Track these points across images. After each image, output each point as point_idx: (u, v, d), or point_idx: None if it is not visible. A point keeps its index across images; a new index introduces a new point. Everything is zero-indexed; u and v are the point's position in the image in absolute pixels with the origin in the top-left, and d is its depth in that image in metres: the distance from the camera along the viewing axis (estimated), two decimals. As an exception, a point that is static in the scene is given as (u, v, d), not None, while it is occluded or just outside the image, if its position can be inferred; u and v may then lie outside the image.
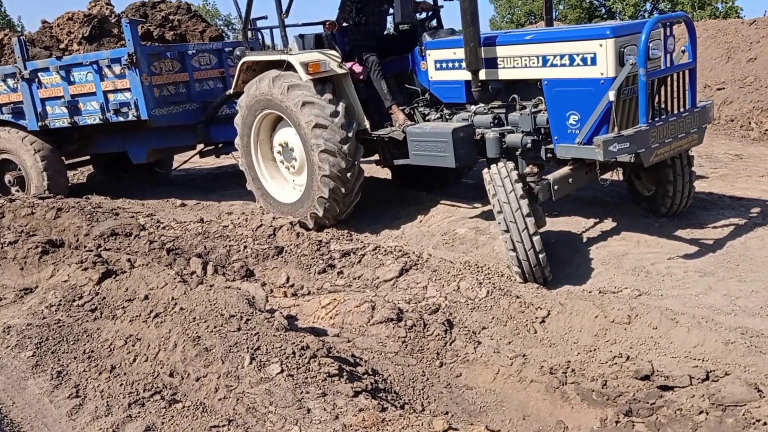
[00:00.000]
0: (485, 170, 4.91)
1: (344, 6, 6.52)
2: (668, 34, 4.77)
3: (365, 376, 3.44)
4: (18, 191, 8.71)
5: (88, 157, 9.73)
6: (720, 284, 4.48)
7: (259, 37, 7.46)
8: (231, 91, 7.25)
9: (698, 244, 5.09)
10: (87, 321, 4.01)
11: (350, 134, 6.03)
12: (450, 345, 3.95)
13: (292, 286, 5.17)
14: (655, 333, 3.92)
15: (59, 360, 3.68)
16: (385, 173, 8.25)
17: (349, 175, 6.07)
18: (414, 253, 5.39)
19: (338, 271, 5.30)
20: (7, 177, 8.79)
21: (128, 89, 7.75)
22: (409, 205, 6.87)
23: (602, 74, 4.63)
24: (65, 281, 4.45)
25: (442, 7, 6.83)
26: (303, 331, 3.82)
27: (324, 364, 3.30)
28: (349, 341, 4.04)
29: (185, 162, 10.31)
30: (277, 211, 6.72)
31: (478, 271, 4.88)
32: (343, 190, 6.13)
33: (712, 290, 4.41)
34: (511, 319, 4.23)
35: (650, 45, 4.56)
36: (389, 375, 3.66)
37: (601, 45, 4.60)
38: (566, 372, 3.57)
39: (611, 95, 4.47)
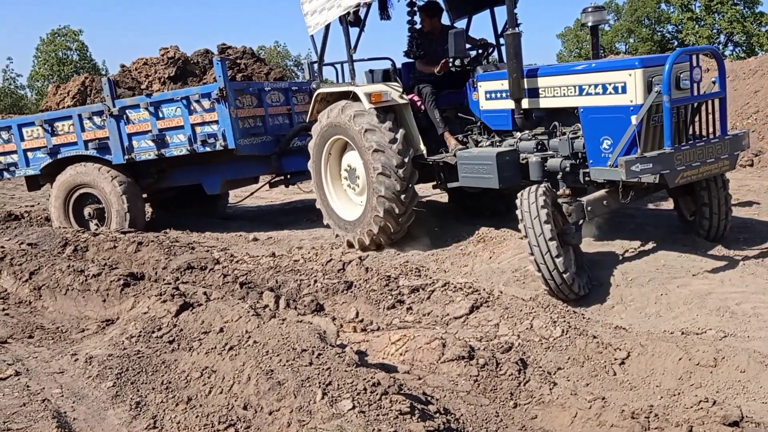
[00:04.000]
0: (519, 193, 5.19)
1: (410, 45, 7.16)
2: (695, 65, 5.07)
3: (437, 415, 3.38)
4: (97, 224, 9.11)
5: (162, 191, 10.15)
6: (811, 326, 4.22)
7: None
8: (307, 119, 7.87)
9: (786, 284, 4.83)
10: (165, 352, 4.11)
11: (406, 159, 6.54)
12: (524, 385, 3.84)
13: (362, 321, 5.16)
14: (743, 376, 3.71)
15: (138, 390, 3.77)
16: (451, 208, 8.24)
17: (403, 197, 6.57)
18: (484, 289, 5.30)
19: (407, 307, 5.26)
20: (87, 210, 9.20)
21: (216, 121, 8.34)
22: (478, 241, 6.82)
23: (631, 101, 5.02)
24: (145, 313, 4.58)
25: (495, 45, 7.27)
26: (373, 367, 3.79)
27: (395, 402, 3.25)
28: (419, 378, 3.98)
29: (245, 198, 10.67)
30: (338, 227, 7.33)
31: (552, 309, 4.75)
32: (397, 210, 6.60)
33: (803, 332, 4.16)
34: (588, 360, 4.09)
35: (681, 75, 4.97)
36: (461, 415, 3.57)
37: (630, 75, 5.01)
38: (649, 417, 3.41)
39: (633, 119, 4.91)
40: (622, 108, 5.08)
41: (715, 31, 47.39)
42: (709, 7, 46.51)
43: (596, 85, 5.27)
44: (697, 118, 5.36)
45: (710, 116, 5.30)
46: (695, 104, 5.25)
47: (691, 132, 5.34)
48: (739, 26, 45.74)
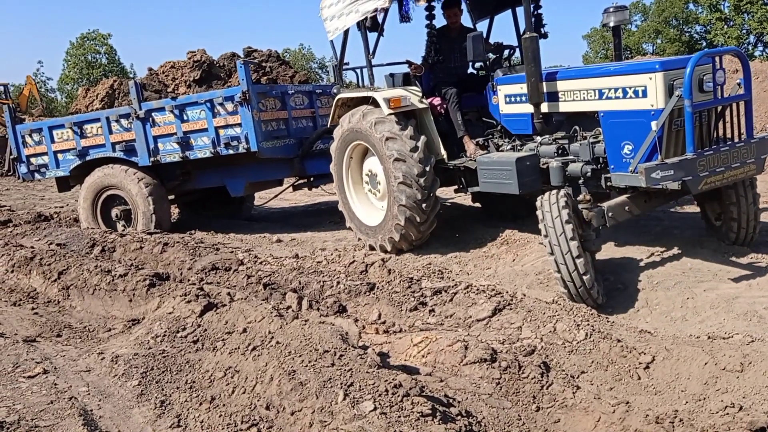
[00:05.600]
0: (539, 198, 5.15)
1: (428, 48, 7.14)
2: (718, 67, 4.96)
3: (459, 417, 3.37)
4: (124, 225, 9.24)
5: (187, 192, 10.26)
6: (844, 332, 4.13)
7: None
8: (329, 124, 7.90)
9: (817, 288, 4.73)
10: (189, 352, 4.15)
11: (427, 168, 6.49)
12: (547, 389, 3.81)
13: (384, 323, 5.17)
14: (771, 383, 3.64)
15: (163, 389, 3.82)
16: (474, 211, 8.21)
17: (424, 206, 6.54)
18: (507, 292, 5.28)
19: (430, 309, 5.26)
20: (114, 211, 9.34)
21: (239, 124, 8.41)
22: (501, 244, 6.78)
23: (652, 106, 4.90)
24: (170, 313, 4.63)
25: (518, 46, 7.12)
26: (395, 369, 3.80)
27: (417, 404, 3.25)
28: (441, 381, 3.97)
29: (271, 200, 10.75)
30: (360, 232, 7.31)
31: (576, 313, 4.71)
32: (418, 219, 6.58)
33: (834, 338, 4.07)
34: (612, 364, 4.05)
35: (704, 78, 4.83)
36: (483, 417, 3.56)
37: (650, 78, 4.89)
38: (674, 422, 3.37)
39: (653, 125, 4.80)
40: (643, 112, 4.96)
41: (744, 31, 46.52)
42: (738, 7, 45.63)
43: (616, 89, 5.16)
44: (722, 122, 5.22)
45: (735, 119, 5.16)
46: (719, 108, 5.12)
47: (717, 135, 5.21)
48: (769, 26, 44.84)
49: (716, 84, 4.95)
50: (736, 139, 5.12)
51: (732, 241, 5.66)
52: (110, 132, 9.22)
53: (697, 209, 6.24)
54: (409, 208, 6.48)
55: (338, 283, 5.85)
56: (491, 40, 7.34)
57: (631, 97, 5.05)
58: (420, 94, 6.86)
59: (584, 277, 4.83)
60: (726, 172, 4.84)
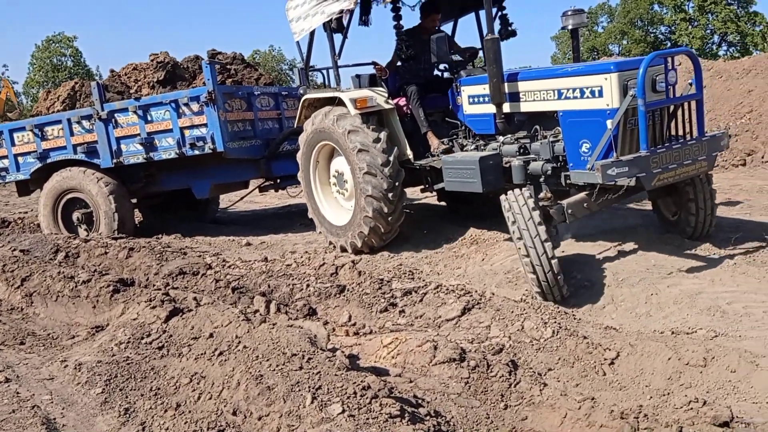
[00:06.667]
0: (503, 196, 5.25)
1: (398, 47, 7.15)
2: (670, 67, 5.11)
3: (428, 417, 3.37)
4: (86, 229, 9.06)
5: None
6: (803, 325, 4.22)
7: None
8: (296, 125, 7.92)
9: (778, 283, 4.83)
10: (154, 358, 4.09)
11: (391, 158, 6.57)
12: (515, 387, 3.83)
13: (354, 324, 5.15)
14: (734, 377, 3.70)
15: (127, 397, 3.76)
16: (445, 211, 8.23)
17: (390, 195, 6.60)
18: (476, 291, 5.30)
19: (400, 309, 5.25)
20: (75, 215, 9.15)
21: (204, 125, 8.34)
22: (471, 243, 6.82)
23: (608, 105, 5.05)
24: (134, 319, 4.56)
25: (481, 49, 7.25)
26: (364, 371, 3.78)
27: (385, 405, 3.25)
28: (411, 381, 3.97)
29: (237, 202, 10.67)
30: (330, 234, 7.36)
31: (543, 311, 4.75)
32: (385, 209, 6.63)
33: (794, 331, 4.16)
34: (578, 361, 4.09)
35: (657, 78, 5.00)
36: (452, 417, 3.57)
37: (606, 79, 5.04)
38: (638, 417, 3.41)
39: (609, 124, 4.97)
40: (599, 112, 5.11)
41: (708, 31, 47.45)
42: (702, 7, 46.54)
43: (574, 89, 5.31)
44: (675, 120, 5.38)
45: (687, 118, 5.32)
46: (671, 107, 5.29)
47: (672, 133, 5.38)
48: (733, 26, 45.78)
49: (668, 84, 5.11)
50: (688, 137, 5.28)
51: (689, 235, 5.82)
52: (72, 134, 9.05)
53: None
54: (375, 198, 6.55)
55: (308, 285, 5.81)
56: (461, 44, 7.41)
57: (588, 97, 5.20)
58: (386, 95, 6.94)
59: (558, 277, 4.97)
60: (678, 169, 5.02)
